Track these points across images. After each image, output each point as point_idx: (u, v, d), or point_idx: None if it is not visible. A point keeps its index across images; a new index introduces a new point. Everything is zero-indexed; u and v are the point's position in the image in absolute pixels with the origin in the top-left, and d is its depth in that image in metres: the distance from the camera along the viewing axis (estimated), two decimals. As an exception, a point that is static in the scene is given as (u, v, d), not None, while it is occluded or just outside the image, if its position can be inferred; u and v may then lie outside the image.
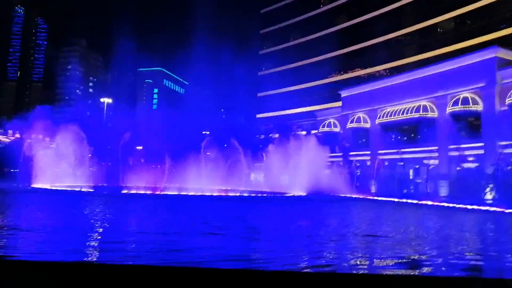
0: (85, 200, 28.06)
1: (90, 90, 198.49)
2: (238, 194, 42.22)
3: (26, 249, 10.19)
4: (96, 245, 11.30)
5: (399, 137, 58.14)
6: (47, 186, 40.35)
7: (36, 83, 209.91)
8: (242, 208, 26.96)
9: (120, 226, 15.85)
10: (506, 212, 29.98)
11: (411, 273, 8.94)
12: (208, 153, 66.81)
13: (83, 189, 38.34)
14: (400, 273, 8.89)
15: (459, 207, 35.51)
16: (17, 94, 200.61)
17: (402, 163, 54.40)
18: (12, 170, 52.52)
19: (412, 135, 57.19)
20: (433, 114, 52.89)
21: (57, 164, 48.90)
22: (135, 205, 26.35)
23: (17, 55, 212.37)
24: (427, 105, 53.45)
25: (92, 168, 51.58)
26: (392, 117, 58.20)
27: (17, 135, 64.64)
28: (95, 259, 9.33)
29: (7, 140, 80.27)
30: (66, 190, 37.69)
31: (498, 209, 31.66)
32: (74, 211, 20.47)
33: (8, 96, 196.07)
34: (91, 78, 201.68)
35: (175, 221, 17.95)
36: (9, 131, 73.33)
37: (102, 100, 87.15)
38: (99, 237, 12.61)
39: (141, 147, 76.15)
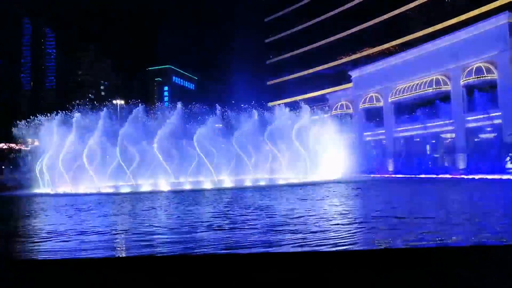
0: (120, 200, 28.58)
1: (103, 93, 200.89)
2: (263, 184, 42.45)
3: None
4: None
5: (413, 113, 57.20)
6: (67, 190, 41.30)
7: (49, 90, 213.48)
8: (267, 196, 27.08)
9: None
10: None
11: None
12: (223, 146, 67.17)
13: (102, 191, 39.12)
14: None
15: (480, 178, 34.98)
16: (32, 103, 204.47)
17: (418, 139, 53.65)
18: (32, 176, 53.77)
19: (427, 110, 56.20)
20: (447, 87, 51.80)
21: (76, 168, 49.89)
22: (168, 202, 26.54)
23: (28, 66, 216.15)
24: (440, 79, 52.35)
25: (112, 168, 52.35)
26: (405, 93, 57.26)
27: (36, 143, 66.02)
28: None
29: (26, 148, 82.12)
30: (92, 193, 38.49)
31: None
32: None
33: (24, 105, 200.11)
34: (102, 81, 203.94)
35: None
36: (28, 139, 74.87)
37: (114, 102, 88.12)
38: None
39: (156, 145, 76.90)
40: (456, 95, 49.97)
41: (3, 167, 77.16)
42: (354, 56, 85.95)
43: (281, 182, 44.32)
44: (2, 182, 60.54)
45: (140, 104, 55.48)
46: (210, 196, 27.90)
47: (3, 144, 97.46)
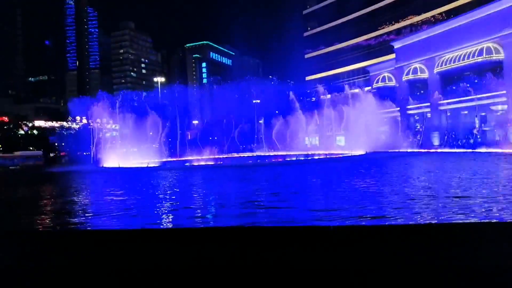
0: (160, 174, 29.92)
1: (144, 71, 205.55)
2: (294, 159, 42.64)
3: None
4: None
5: (461, 84, 54.48)
6: (116, 165, 43.36)
7: (94, 69, 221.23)
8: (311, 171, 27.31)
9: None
10: None
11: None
12: (261, 121, 67.57)
13: (150, 165, 40.77)
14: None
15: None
16: (78, 82, 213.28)
17: (466, 112, 51.35)
18: (84, 153, 56.84)
19: (476, 81, 53.33)
20: (499, 56, 48.78)
21: (123, 145, 52.18)
22: (213, 175, 27.35)
23: (74, 45, 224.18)
24: (491, 47, 49.30)
25: (155, 145, 54.32)
26: (452, 64, 54.54)
27: (85, 121, 69.22)
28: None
29: (77, 126, 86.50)
30: (137, 167, 40.32)
31: None
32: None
33: (71, 85, 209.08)
34: (142, 59, 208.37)
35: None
36: (77, 117, 78.68)
37: (155, 79, 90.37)
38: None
39: (197, 122, 78.65)
40: (510, 64, 47.01)
41: (62, 143, 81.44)
42: (396, 26, 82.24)
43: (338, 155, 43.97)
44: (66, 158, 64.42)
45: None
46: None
47: (55, 122, 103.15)
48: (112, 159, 46.79)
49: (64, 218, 12.27)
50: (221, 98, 66.54)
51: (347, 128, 53.67)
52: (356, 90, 73.01)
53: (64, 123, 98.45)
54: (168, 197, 16.64)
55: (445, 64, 55.83)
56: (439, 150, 47.86)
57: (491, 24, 49.05)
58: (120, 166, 41.91)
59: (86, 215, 12.56)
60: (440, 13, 72.96)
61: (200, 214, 11.80)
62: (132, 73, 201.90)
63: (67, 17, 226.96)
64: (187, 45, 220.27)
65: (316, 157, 43.35)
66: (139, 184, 23.33)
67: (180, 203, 14.55)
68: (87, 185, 25.20)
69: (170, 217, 11.78)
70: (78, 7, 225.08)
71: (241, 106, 66.62)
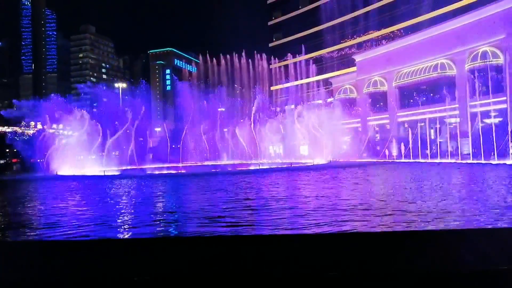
0: (118, 183, 28.84)
1: (104, 76, 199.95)
2: (258, 167, 42.64)
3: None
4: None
5: (418, 97, 57.00)
6: (71, 173, 41.56)
7: (51, 73, 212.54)
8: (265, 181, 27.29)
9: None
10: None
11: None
12: (225, 130, 67.24)
13: (106, 173, 39.34)
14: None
15: (485, 163, 35.13)
16: (34, 86, 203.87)
17: (422, 124, 53.61)
18: (38, 160, 54.08)
19: (431, 94, 55.97)
20: (452, 71, 51.50)
21: (79, 152, 50.14)
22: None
23: (29, 48, 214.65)
24: (445, 63, 52.00)
25: (114, 153, 52.65)
26: (409, 78, 56.95)
27: (40, 126, 66.08)
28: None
29: (31, 132, 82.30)
30: (94, 175, 38.78)
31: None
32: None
33: (26, 89, 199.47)
34: (103, 64, 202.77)
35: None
36: (31, 122, 74.95)
37: (116, 85, 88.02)
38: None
39: (159, 128, 77.09)
40: (461, 80, 49.70)
41: (14, 150, 77.04)
42: (358, 40, 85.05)
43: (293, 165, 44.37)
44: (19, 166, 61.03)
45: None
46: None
47: (6, 127, 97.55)
48: (67, 167, 44.92)
49: None
50: (185, 105, 65.69)
51: (310, 137, 54.49)
52: (319, 101, 74.58)
53: (17, 128, 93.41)
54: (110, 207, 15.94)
55: (403, 78, 58.21)
56: (396, 160, 49.62)
57: (445, 42, 51.79)
58: (75, 174, 40.22)
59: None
60: (399, 29, 76.23)
61: (127, 226, 11.24)
62: (92, 78, 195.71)
63: (23, 18, 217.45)
64: (151, 51, 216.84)
65: (274, 166, 43.71)
66: (85, 193, 22.49)
67: (108, 215, 13.67)
68: (30, 194, 23.85)
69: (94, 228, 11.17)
70: (36, 9, 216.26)
71: (205, 114, 66.06)
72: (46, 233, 10.39)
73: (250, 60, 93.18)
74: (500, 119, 44.12)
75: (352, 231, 9.26)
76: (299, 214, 12.06)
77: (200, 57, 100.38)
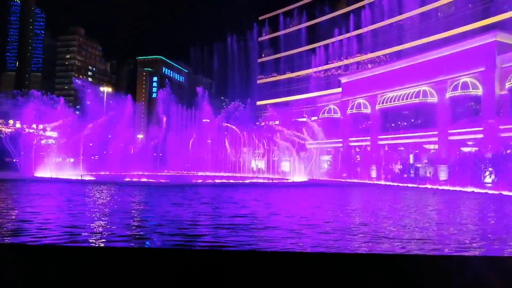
0: (95, 189, 28.30)
1: (90, 79, 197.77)
2: (240, 181, 42.56)
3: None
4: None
5: (399, 122, 58.18)
6: (49, 175, 40.64)
7: (35, 72, 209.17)
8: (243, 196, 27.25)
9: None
10: (504, 195, 30.39)
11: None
12: (209, 141, 67.10)
13: (83, 177, 38.59)
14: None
15: (461, 190, 35.89)
16: (16, 84, 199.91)
17: (402, 148, 54.65)
18: (14, 160, 52.74)
19: (412, 120, 57.23)
20: (433, 99, 52.84)
21: (58, 154, 49.17)
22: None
23: (15, 45, 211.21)
24: (427, 90, 53.35)
25: (94, 157, 51.86)
26: (392, 102, 58.15)
27: (18, 125, 64.62)
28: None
29: (8, 130, 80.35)
30: (71, 179, 37.97)
31: (496, 192, 32.11)
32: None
33: (8, 86, 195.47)
34: (90, 67, 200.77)
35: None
36: (9, 121, 73.33)
37: (102, 89, 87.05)
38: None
39: (142, 136, 76.43)
40: (442, 108, 51.04)
41: None
42: (345, 62, 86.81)
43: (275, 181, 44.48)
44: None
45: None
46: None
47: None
48: (45, 169, 43.97)
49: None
50: (170, 114, 65.42)
51: (292, 154, 54.85)
52: (304, 119, 75.32)
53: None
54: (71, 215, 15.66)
55: (386, 102, 59.39)
56: (375, 182, 50.28)
57: (429, 70, 53.27)
58: (53, 176, 39.33)
59: None
60: (384, 55, 78.21)
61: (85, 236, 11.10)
62: (77, 80, 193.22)
63: (11, 14, 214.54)
64: (139, 57, 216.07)
65: (256, 181, 43.71)
66: (53, 198, 22.01)
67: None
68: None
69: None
70: (25, 6, 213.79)
71: (189, 124, 65.92)
72: None
73: (239, 73, 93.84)
74: (476, 148, 45.36)
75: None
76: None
77: (189, 68, 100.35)
